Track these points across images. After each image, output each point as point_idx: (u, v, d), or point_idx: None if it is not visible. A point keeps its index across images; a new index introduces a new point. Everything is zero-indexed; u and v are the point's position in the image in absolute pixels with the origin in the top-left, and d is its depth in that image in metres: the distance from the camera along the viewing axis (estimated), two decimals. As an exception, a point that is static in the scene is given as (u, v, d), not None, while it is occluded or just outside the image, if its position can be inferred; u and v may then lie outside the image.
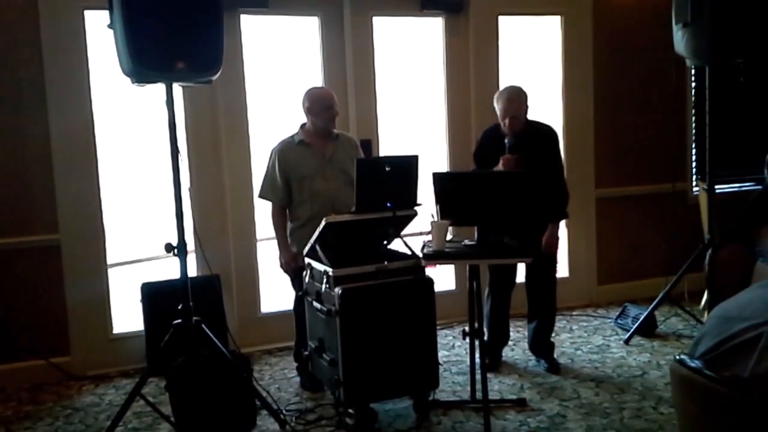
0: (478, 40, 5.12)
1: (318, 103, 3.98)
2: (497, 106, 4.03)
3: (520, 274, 4.33)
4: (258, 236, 4.86)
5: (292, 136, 4.05)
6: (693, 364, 1.51)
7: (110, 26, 3.13)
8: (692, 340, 1.68)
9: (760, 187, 4.97)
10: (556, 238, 4.15)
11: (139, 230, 4.76)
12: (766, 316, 1.52)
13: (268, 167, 4.05)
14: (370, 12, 4.92)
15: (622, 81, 5.47)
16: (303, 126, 4.06)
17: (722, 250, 4.48)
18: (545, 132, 4.13)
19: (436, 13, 5.09)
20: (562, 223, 4.29)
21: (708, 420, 1.53)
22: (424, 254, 3.45)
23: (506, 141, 3.94)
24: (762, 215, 4.51)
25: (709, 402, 1.50)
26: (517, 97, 3.99)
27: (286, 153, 4.00)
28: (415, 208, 3.67)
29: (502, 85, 4.31)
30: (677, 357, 1.56)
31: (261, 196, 4.09)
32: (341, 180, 3.96)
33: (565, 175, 4.27)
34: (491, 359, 4.25)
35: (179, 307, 3.39)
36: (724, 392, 1.45)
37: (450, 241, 3.60)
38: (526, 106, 4.03)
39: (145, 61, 3.07)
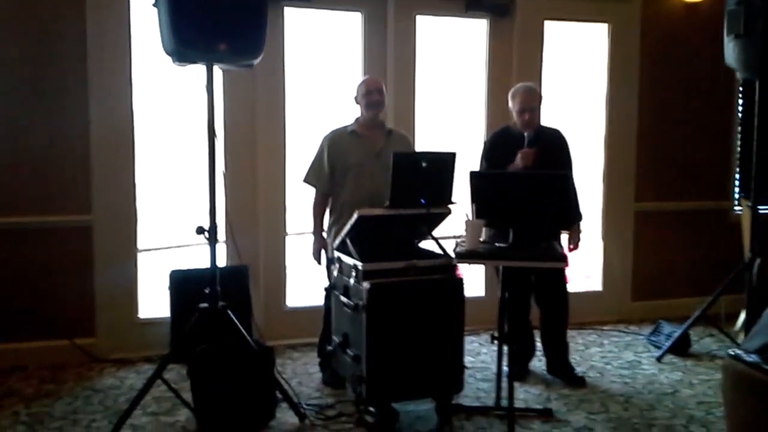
0: (523, 44, 5.04)
1: (360, 90, 3.97)
2: (514, 101, 4.02)
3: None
4: (289, 230, 4.82)
5: (346, 126, 4.02)
6: (750, 359, 1.41)
7: (155, 4, 3.13)
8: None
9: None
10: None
11: (172, 217, 4.76)
12: None
13: (316, 153, 4.02)
14: (414, 11, 4.87)
15: (668, 93, 5.35)
16: (358, 119, 4.03)
17: None
18: (557, 135, 4.15)
19: (481, 15, 5.02)
20: (598, 236, 4.20)
21: (763, 417, 1.43)
22: (456, 253, 3.36)
23: (526, 135, 3.90)
24: None
25: (766, 398, 1.40)
26: (534, 93, 4.05)
27: (335, 141, 3.97)
28: (450, 206, 3.59)
29: (545, 91, 4.24)
30: (731, 353, 1.47)
31: (305, 180, 4.06)
32: (387, 177, 3.70)
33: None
34: (518, 370, 4.14)
35: (206, 291, 3.36)
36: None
37: (483, 242, 3.52)
38: (541, 104, 4.06)
39: (187, 41, 3.06)
